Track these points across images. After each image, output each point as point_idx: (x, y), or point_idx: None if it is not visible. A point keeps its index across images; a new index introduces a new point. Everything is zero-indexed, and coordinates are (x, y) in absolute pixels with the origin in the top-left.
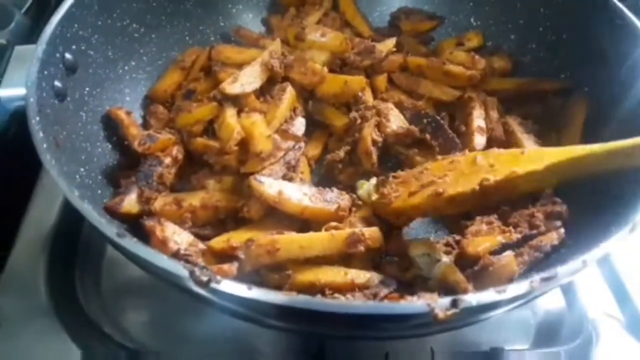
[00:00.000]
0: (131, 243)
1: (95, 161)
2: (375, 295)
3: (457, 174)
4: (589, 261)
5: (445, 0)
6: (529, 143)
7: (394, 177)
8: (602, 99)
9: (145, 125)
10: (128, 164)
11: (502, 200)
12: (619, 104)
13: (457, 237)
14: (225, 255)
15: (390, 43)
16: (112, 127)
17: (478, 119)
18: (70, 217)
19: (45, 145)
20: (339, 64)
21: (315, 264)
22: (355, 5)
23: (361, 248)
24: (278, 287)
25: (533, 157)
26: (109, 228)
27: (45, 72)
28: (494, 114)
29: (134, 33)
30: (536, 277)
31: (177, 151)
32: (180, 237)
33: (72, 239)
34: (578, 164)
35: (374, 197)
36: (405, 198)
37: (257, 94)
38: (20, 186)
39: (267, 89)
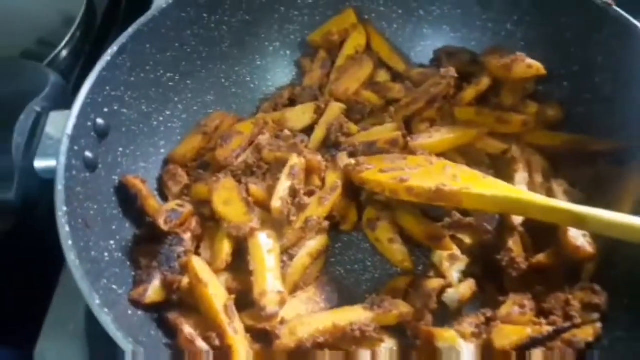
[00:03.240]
0: None
1: (127, 227)
2: None
3: (424, 171)
4: None
5: (494, 39)
6: None
7: (373, 154)
8: None
9: (161, 188)
10: (144, 236)
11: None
12: None
13: (488, 314)
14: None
15: None
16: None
17: (520, 184)
18: None
19: (70, 242)
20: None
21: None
22: (389, 43)
23: None
24: None
25: (489, 184)
26: (125, 343)
27: (76, 148)
28: (538, 178)
29: (169, 82)
30: None
31: (195, 223)
32: None
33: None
34: (521, 206)
35: (351, 162)
36: (375, 172)
37: None
38: (49, 261)
39: None
